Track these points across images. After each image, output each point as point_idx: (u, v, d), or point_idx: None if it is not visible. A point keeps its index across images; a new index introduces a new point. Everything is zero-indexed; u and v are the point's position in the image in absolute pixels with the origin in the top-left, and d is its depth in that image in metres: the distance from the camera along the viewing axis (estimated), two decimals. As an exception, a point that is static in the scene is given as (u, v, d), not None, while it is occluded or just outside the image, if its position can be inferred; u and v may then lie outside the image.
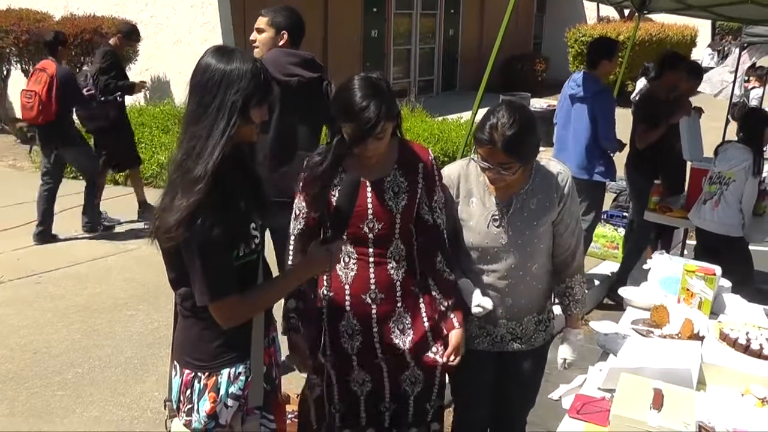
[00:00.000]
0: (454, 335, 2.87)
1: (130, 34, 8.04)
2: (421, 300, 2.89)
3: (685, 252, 6.82)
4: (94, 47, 11.63)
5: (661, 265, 3.67)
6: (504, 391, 3.17)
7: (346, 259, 2.80)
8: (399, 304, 2.84)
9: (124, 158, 8.11)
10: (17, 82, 13.29)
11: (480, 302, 2.86)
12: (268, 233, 2.77)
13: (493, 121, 2.68)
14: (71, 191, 9.37)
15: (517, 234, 2.89)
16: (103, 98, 7.51)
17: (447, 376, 3.02)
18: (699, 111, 6.16)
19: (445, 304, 2.87)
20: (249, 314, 2.34)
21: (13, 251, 6.98)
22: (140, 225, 7.86)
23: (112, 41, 8.06)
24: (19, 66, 12.80)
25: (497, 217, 2.89)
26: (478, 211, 2.93)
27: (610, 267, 6.86)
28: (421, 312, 2.89)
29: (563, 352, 3.08)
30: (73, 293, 6.04)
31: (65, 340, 5.18)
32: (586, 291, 3.06)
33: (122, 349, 5.07)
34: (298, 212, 2.88)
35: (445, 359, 2.88)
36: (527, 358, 3.10)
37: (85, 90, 7.38)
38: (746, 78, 13.86)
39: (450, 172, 3.00)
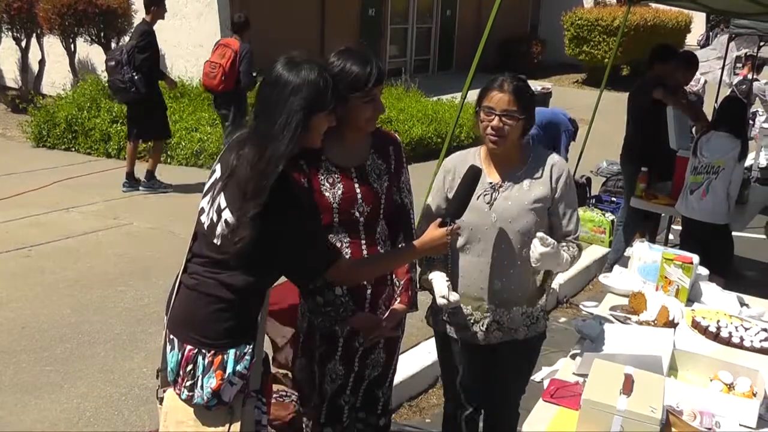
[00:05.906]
0: (393, 311, 2.88)
1: (159, 2, 8.10)
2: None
3: (671, 237, 6.92)
4: (88, 18, 11.60)
5: (641, 253, 3.74)
6: (491, 382, 3.21)
7: (339, 244, 2.83)
8: (389, 283, 2.93)
9: (153, 130, 8.38)
10: (8, 50, 13.21)
11: (444, 293, 2.85)
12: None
13: (500, 77, 2.93)
14: (70, 162, 9.42)
15: (508, 213, 2.93)
16: (135, 74, 7.84)
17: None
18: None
19: (396, 281, 2.94)
20: (364, 277, 2.73)
21: (1, 223, 6.97)
22: (139, 197, 8.09)
23: (147, 17, 8.15)
24: (10, 34, 12.70)
25: (488, 192, 2.95)
26: None
27: (599, 251, 6.93)
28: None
29: (534, 248, 2.83)
30: (63, 267, 6.05)
31: (54, 315, 5.20)
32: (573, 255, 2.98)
33: (111, 325, 5.09)
34: None
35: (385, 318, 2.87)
36: (511, 350, 3.10)
37: (114, 62, 7.90)
38: (740, 66, 13.91)
39: (449, 159, 3.12)
